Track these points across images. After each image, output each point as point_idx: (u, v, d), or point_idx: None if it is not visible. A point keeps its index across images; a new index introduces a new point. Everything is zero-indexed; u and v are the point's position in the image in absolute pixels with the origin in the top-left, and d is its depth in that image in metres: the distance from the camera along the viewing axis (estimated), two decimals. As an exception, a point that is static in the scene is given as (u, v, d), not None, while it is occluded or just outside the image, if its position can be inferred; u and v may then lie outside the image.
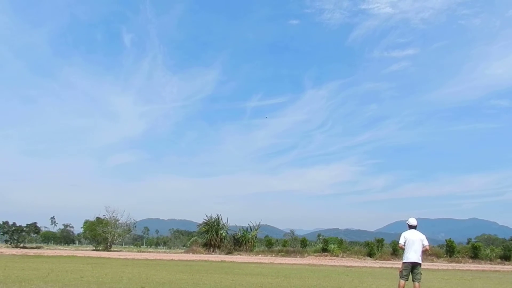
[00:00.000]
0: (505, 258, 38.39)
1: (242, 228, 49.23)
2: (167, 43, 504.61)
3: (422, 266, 9.22)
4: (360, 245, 46.98)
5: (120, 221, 52.39)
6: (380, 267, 26.44)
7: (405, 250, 9.21)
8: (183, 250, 56.46)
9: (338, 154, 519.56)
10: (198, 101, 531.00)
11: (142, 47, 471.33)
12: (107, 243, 51.44)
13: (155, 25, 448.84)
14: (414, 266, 9.03)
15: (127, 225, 53.80)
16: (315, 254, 41.98)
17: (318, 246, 45.13)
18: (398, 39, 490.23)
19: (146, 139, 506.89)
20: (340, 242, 45.06)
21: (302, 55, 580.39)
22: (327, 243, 43.82)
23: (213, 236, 46.62)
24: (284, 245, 46.75)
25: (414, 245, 9.07)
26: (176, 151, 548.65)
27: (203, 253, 43.98)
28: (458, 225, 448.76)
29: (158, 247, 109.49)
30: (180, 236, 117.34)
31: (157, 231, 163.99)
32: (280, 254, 42.84)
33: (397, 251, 38.15)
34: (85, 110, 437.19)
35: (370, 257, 40.20)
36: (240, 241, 47.06)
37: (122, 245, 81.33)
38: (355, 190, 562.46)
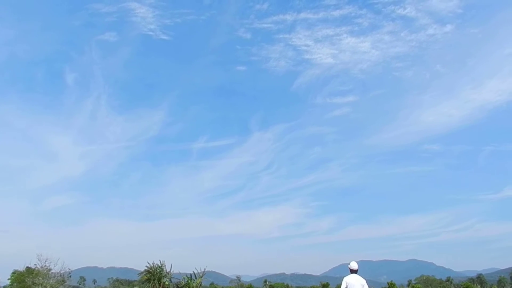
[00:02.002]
0: (443, 298, 39.80)
1: (186, 275, 47.32)
2: (112, 84, 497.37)
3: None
4: (306, 289, 46.76)
5: (52, 271, 48.41)
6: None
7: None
8: (122, 301, 53.04)
9: (284, 196, 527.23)
10: (143, 141, 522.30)
11: (85, 86, 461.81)
12: (36, 296, 47.10)
13: (100, 66, 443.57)
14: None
15: (60, 275, 49.70)
16: (262, 300, 41.11)
17: (264, 292, 44.29)
18: (339, 87, 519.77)
19: (86, 181, 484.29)
20: None
21: (249, 99, 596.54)
22: (274, 289, 43.18)
23: (155, 285, 44.27)
24: (230, 292, 45.38)
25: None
26: (119, 193, 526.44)
27: (144, 304, 41.55)
28: (399, 266, 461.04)
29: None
30: (120, 286, 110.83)
31: (94, 281, 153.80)
32: (225, 302, 41.47)
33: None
34: (21, 149, 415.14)
35: (316, 301, 40.00)
36: (184, 290, 45.04)
37: (54, 297, 74.91)
38: (300, 232, 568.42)
